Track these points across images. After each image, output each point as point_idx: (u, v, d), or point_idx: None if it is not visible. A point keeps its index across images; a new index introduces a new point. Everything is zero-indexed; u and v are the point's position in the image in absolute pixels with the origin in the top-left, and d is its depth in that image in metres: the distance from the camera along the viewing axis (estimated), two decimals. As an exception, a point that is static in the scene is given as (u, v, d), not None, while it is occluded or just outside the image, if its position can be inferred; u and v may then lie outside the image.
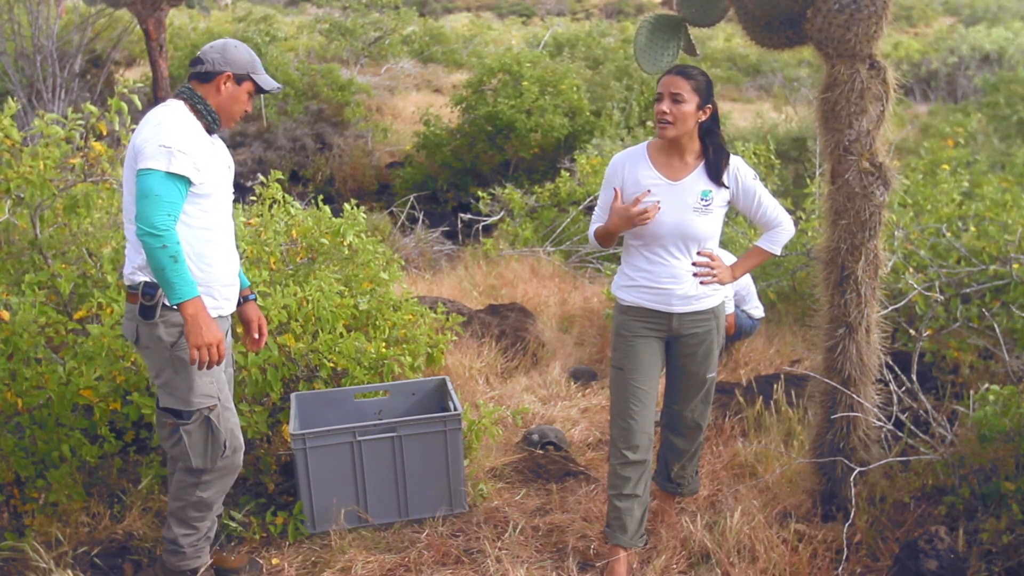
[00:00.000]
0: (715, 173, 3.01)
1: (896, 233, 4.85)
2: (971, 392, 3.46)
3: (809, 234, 5.64)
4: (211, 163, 2.84)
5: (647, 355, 3.09)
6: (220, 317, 2.93)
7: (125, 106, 3.74)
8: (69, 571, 3.06)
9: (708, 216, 3.00)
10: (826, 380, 3.32)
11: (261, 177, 5.04)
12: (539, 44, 16.81)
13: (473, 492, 3.69)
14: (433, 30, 21.19)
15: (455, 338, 4.68)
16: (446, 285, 6.98)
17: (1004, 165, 8.98)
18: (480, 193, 9.28)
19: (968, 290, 4.34)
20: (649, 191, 2.96)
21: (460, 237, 9.10)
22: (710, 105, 2.98)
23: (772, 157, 8.44)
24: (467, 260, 7.76)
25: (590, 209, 7.96)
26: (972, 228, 4.93)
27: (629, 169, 3.05)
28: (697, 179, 3.01)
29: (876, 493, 3.33)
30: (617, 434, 3.10)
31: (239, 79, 2.89)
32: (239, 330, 3.29)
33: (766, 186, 3.38)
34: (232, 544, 3.33)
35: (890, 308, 3.92)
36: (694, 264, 3.04)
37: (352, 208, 4.51)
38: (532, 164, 10.57)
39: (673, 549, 3.23)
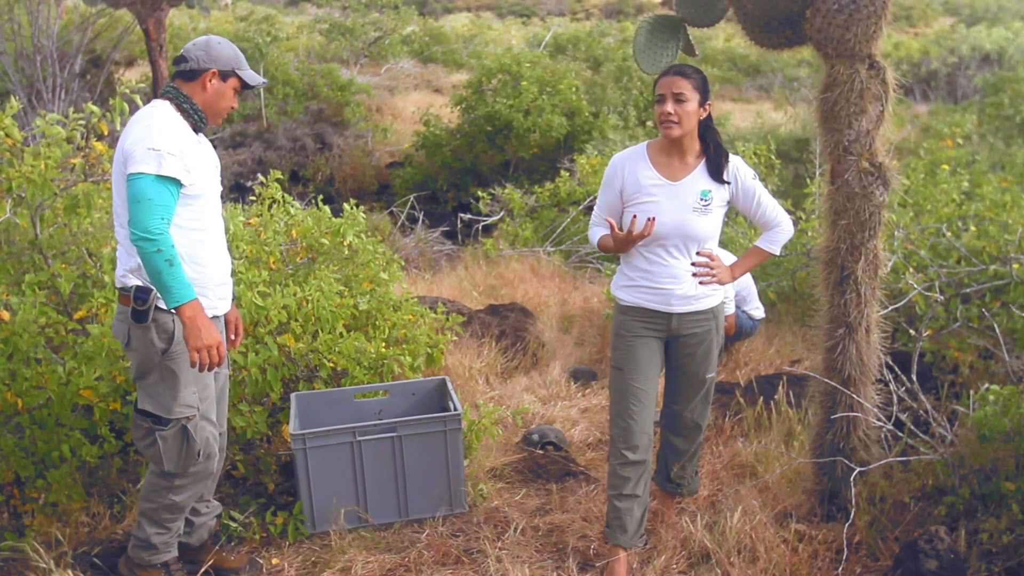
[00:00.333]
0: (716, 171, 3.01)
1: (896, 233, 4.85)
2: (971, 392, 3.46)
3: (809, 234, 5.64)
4: (200, 163, 2.82)
5: (646, 355, 3.09)
6: (214, 317, 2.92)
7: (127, 106, 3.73)
8: (69, 571, 3.05)
9: (707, 216, 3.01)
10: (826, 380, 3.32)
11: (261, 177, 5.05)
12: (540, 44, 16.81)
13: (473, 492, 3.69)
14: (433, 30, 21.20)
15: (455, 338, 4.68)
16: (446, 285, 6.98)
17: (1004, 165, 8.98)
18: (480, 193, 9.28)
19: (968, 290, 4.34)
20: (635, 216, 2.96)
21: (460, 237, 9.10)
22: (709, 103, 3.00)
23: (772, 157, 8.44)
24: (467, 260, 7.76)
25: (590, 209, 7.96)
26: (972, 228, 4.93)
27: (629, 169, 3.05)
28: (697, 179, 3.01)
29: (876, 493, 3.33)
30: (617, 434, 3.11)
31: (224, 75, 2.87)
32: None
33: (766, 186, 3.38)
34: (232, 544, 3.33)
35: (890, 308, 3.92)
36: (693, 264, 3.04)
37: (352, 208, 4.51)
38: (532, 164, 10.57)
39: (673, 549, 3.23)
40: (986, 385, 3.28)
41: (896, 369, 3.73)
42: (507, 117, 10.26)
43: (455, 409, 3.52)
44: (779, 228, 3.14)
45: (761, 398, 4.28)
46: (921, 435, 3.49)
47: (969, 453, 3.21)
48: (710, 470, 3.86)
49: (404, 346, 3.98)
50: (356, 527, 3.46)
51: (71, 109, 3.94)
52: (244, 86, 2.93)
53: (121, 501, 3.53)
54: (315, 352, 3.73)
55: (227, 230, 4.09)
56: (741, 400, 4.29)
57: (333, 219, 4.43)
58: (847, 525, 3.11)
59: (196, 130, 2.88)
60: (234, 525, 3.41)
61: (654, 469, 3.37)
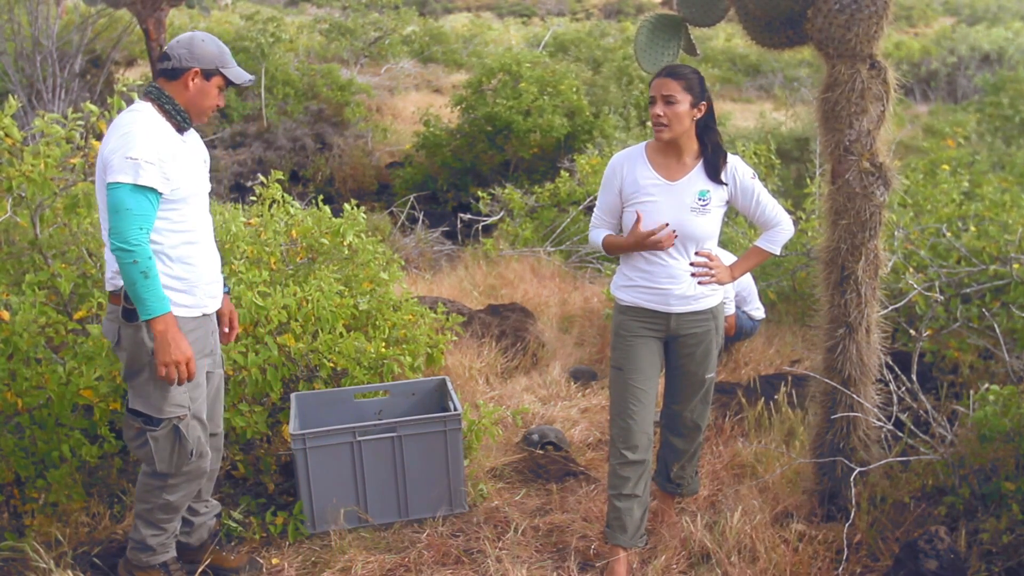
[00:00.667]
0: (713, 171, 3.01)
1: (896, 233, 4.85)
2: (971, 392, 3.46)
3: (809, 234, 5.64)
4: (183, 166, 2.77)
5: (646, 355, 3.09)
6: (204, 316, 2.90)
7: (125, 105, 3.73)
8: (69, 571, 3.05)
9: (706, 216, 3.00)
10: (826, 380, 3.32)
11: (261, 177, 5.04)
12: (539, 44, 16.81)
13: (473, 492, 3.69)
14: (433, 30, 21.19)
15: (455, 338, 4.68)
16: (446, 285, 6.98)
17: (1004, 165, 8.98)
18: (480, 193, 9.28)
19: (968, 290, 4.34)
20: (667, 224, 2.96)
21: (460, 237, 9.11)
22: (704, 102, 2.98)
23: (772, 157, 8.44)
24: (467, 260, 7.76)
25: (590, 209, 7.97)
26: (972, 228, 4.93)
27: (627, 170, 3.05)
28: (695, 179, 3.01)
29: (876, 493, 3.33)
30: (616, 434, 3.10)
31: (208, 74, 2.81)
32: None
33: (765, 186, 3.38)
34: (232, 544, 3.33)
35: (890, 308, 3.92)
36: (692, 264, 3.04)
37: (352, 208, 4.51)
38: (532, 164, 10.58)
39: (673, 549, 3.22)
40: (986, 385, 3.28)
41: (896, 369, 3.73)
42: (507, 118, 10.26)
43: (455, 409, 3.52)
44: (779, 227, 3.14)
45: (762, 398, 4.28)
46: (921, 435, 3.49)
47: (969, 453, 3.21)
48: (710, 470, 3.86)
49: (404, 346, 3.98)
50: (356, 527, 3.46)
51: (71, 109, 3.94)
52: (229, 84, 2.87)
53: (121, 501, 3.53)
54: (315, 352, 3.73)
55: (227, 230, 4.10)
56: (742, 400, 4.29)
57: (333, 219, 4.43)
58: (847, 525, 3.11)
59: (180, 131, 2.83)
60: (234, 525, 3.41)
61: (654, 469, 3.37)
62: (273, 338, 3.62)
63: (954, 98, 17.01)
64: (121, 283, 2.74)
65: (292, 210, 4.53)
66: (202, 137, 3.06)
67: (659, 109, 2.94)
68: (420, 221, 9.20)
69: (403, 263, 5.30)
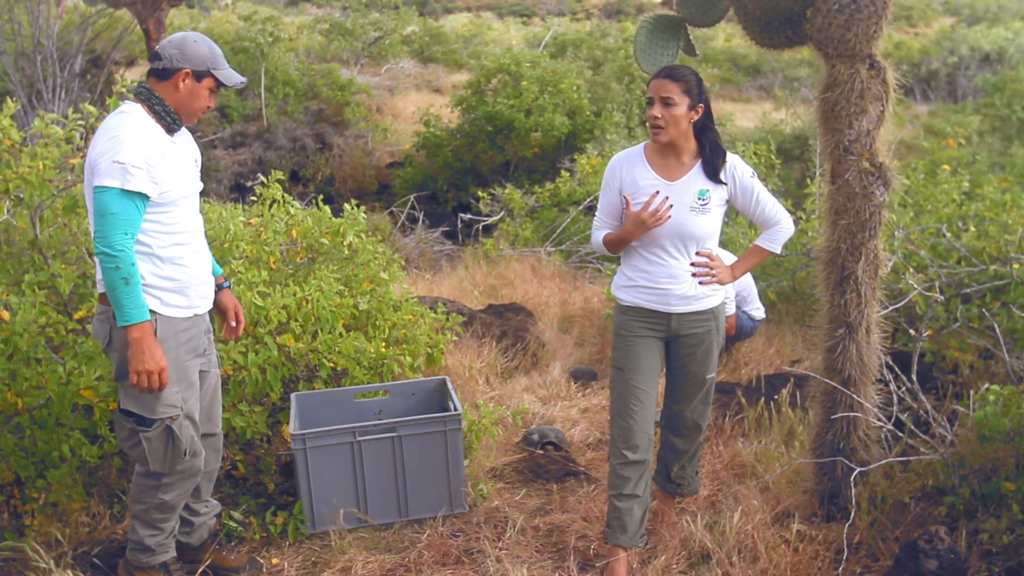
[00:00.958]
0: (712, 171, 3.00)
1: (896, 233, 4.85)
2: (971, 392, 3.46)
3: (809, 234, 5.64)
4: (172, 168, 2.74)
5: (647, 355, 3.09)
6: (196, 316, 2.89)
7: (124, 105, 3.73)
8: (69, 571, 3.05)
9: (706, 216, 3.00)
10: (826, 380, 3.32)
11: (262, 177, 5.05)
12: (540, 44, 16.81)
13: (473, 492, 3.69)
14: (433, 30, 21.20)
15: (455, 338, 4.68)
16: (446, 285, 6.98)
17: (1004, 166, 8.98)
18: (480, 193, 9.29)
19: (968, 290, 4.34)
20: (657, 191, 2.96)
21: (460, 237, 9.11)
22: (702, 104, 2.97)
23: (772, 157, 8.44)
24: (467, 260, 7.76)
25: (590, 209, 7.97)
26: (972, 228, 4.93)
27: (627, 170, 3.05)
28: (694, 179, 3.01)
29: (876, 493, 3.33)
30: (617, 434, 3.10)
31: (199, 75, 2.78)
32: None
33: (765, 185, 3.38)
34: (232, 544, 3.33)
35: (890, 308, 3.92)
36: (693, 264, 3.04)
37: (352, 208, 4.51)
38: (532, 164, 10.58)
39: (673, 549, 3.22)
40: (986, 385, 3.28)
41: (896, 369, 3.73)
42: (508, 117, 10.26)
43: (455, 409, 3.52)
44: (779, 226, 3.14)
45: (762, 398, 4.28)
46: (921, 435, 3.49)
47: (969, 453, 3.21)
48: (710, 470, 3.86)
49: (404, 346, 3.98)
50: (356, 527, 3.46)
51: (71, 109, 3.94)
52: (221, 86, 2.85)
53: (121, 501, 3.53)
54: (315, 352, 3.73)
55: (227, 230, 4.10)
56: (743, 400, 4.29)
57: (333, 219, 4.43)
58: (847, 525, 3.11)
59: (170, 131, 2.79)
60: (234, 525, 3.41)
61: (654, 469, 3.37)
62: (273, 338, 3.62)
63: (954, 98, 17.01)
64: None
65: (292, 210, 4.53)
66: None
67: (657, 111, 2.93)
68: (420, 221, 9.20)
69: (403, 263, 5.30)
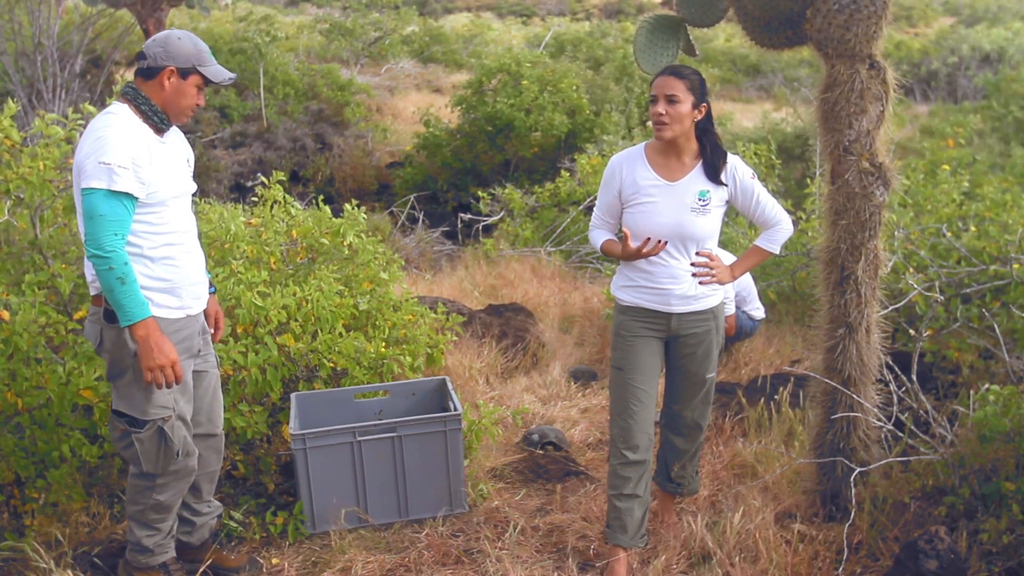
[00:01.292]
0: (713, 172, 3.01)
1: (896, 233, 4.85)
2: (971, 392, 3.46)
3: (809, 234, 5.64)
4: (161, 169, 2.72)
5: (646, 355, 3.09)
6: (189, 316, 2.88)
7: (124, 106, 3.72)
8: (69, 571, 3.05)
9: (706, 216, 3.01)
10: (826, 380, 3.32)
11: (262, 177, 5.05)
12: (540, 44, 16.81)
13: (473, 492, 3.69)
14: (433, 30, 21.20)
15: (455, 338, 4.68)
16: (446, 285, 6.98)
17: (1003, 166, 8.98)
18: (480, 193, 9.28)
19: (968, 290, 4.34)
20: (648, 239, 2.97)
21: (460, 237, 9.11)
22: (705, 104, 2.98)
23: (773, 157, 8.44)
24: (467, 260, 7.76)
25: (590, 209, 7.96)
26: (972, 228, 4.93)
27: (627, 170, 3.05)
28: (694, 179, 3.01)
29: (876, 493, 3.33)
30: (617, 434, 3.10)
31: (184, 73, 2.74)
32: None
33: (765, 185, 3.38)
34: (232, 544, 3.33)
35: (890, 308, 3.92)
36: (693, 264, 3.04)
37: (352, 208, 4.51)
38: (532, 164, 10.58)
39: (673, 549, 3.22)
40: (986, 385, 3.28)
41: (896, 369, 3.73)
42: (508, 116, 10.26)
43: (455, 409, 3.52)
44: (779, 227, 3.14)
45: (762, 398, 4.28)
46: (921, 435, 3.49)
47: (969, 453, 3.21)
48: (710, 470, 3.86)
49: (404, 346, 3.98)
50: (356, 527, 3.46)
51: (71, 109, 3.94)
52: (208, 83, 2.82)
53: (121, 501, 3.53)
54: (315, 352, 3.73)
55: (227, 230, 4.10)
56: (743, 400, 4.29)
57: (333, 219, 4.43)
58: (847, 525, 3.11)
59: (158, 132, 2.77)
60: (234, 525, 3.41)
61: (654, 469, 3.37)
62: (273, 338, 3.62)
63: (954, 98, 17.01)
64: None
65: (292, 210, 4.53)
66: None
67: (661, 108, 2.94)
68: (420, 221, 9.20)
69: (403, 263, 5.30)
